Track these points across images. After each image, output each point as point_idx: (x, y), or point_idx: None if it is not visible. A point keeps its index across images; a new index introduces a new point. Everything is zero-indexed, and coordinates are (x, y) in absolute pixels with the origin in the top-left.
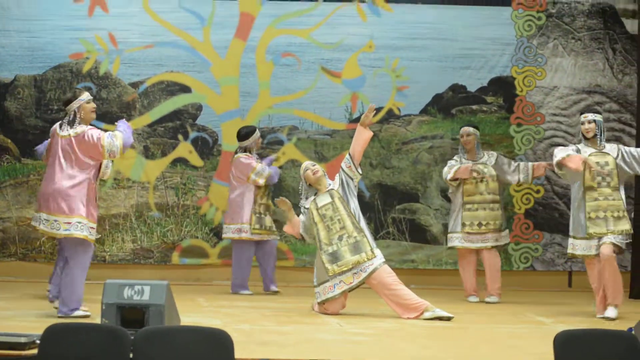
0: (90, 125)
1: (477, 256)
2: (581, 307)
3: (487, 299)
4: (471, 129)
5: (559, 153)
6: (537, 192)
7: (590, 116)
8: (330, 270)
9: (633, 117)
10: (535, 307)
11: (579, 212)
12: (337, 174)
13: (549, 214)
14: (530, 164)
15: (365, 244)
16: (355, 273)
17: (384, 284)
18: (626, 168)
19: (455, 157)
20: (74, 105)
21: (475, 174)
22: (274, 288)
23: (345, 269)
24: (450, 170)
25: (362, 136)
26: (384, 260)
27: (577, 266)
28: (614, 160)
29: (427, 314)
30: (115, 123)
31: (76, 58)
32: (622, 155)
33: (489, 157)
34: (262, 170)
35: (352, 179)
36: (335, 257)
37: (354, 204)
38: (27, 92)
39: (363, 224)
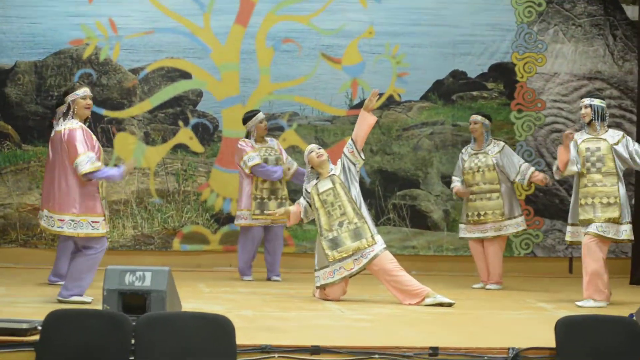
0: (91, 113)
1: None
2: (582, 294)
3: (488, 286)
4: (479, 117)
5: (554, 167)
6: None
7: (587, 101)
8: (330, 257)
9: (633, 103)
10: (536, 294)
11: (574, 199)
12: (339, 160)
13: (550, 200)
14: (531, 169)
15: (365, 230)
16: (356, 259)
17: (385, 270)
18: (626, 156)
19: (463, 150)
20: (69, 97)
21: (465, 193)
22: (275, 278)
23: (345, 255)
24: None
25: (366, 121)
26: (385, 246)
27: (577, 252)
28: (608, 146)
29: (428, 300)
30: (119, 164)
31: (76, 44)
32: (626, 143)
33: (494, 147)
34: (248, 159)
35: (354, 164)
36: (335, 244)
37: (356, 190)
38: (28, 78)
39: (364, 210)
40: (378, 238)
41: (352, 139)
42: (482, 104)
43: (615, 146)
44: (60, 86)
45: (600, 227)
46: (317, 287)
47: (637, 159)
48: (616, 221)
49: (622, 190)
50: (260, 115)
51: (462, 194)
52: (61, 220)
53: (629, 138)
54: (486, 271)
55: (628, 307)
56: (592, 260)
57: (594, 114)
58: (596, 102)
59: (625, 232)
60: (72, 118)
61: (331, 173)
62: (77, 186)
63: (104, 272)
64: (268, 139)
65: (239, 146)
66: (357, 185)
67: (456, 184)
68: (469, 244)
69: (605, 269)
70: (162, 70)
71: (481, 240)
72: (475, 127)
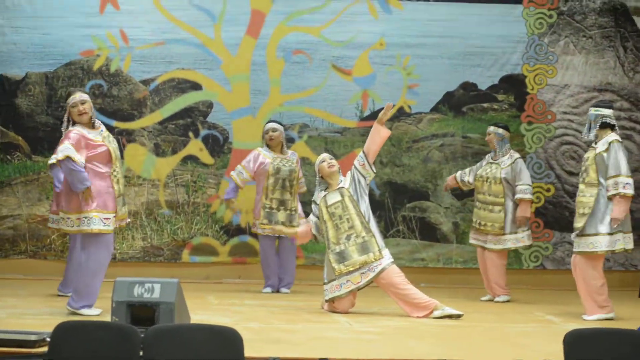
0: (98, 121)
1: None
2: None
3: (496, 299)
4: (491, 128)
5: None
6: (548, 190)
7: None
8: (337, 270)
9: None
10: (545, 306)
11: None
12: (349, 172)
13: (560, 212)
14: (518, 196)
15: (373, 245)
16: (363, 273)
17: (392, 283)
18: (604, 164)
19: (487, 155)
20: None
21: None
22: (284, 290)
23: (352, 268)
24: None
25: (380, 134)
26: (392, 260)
27: None
28: (594, 156)
29: (436, 313)
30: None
31: (87, 55)
32: (608, 149)
33: (508, 159)
34: (236, 170)
35: (364, 177)
36: (342, 257)
37: (365, 203)
38: (38, 89)
39: (373, 224)
40: (385, 252)
41: (363, 152)
42: (493, 116)
43: (604, 154)
44: None
45: (576, 240)
46: (325, 301)
47: (610, 169)
48: (578, 231)
49: (602, 201)
50: (267, 126)
51: (445, 185)
52: (78, 219)
53: (616, 146)
54: (487, 280)
55: (637, 320)
56: (577, 276)
57: (587, 123)
58: (591, 111)
59: (619, 241)
60: (74, 125)
61: (340, 185)
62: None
63: (112, 284)
64: (289, 152)
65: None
66: (366, 198)
67: (456, 174)
68: (476, 251)
69: (600, 282)
70: (173, 82)
71: (482, 248)
72: (490, 138)
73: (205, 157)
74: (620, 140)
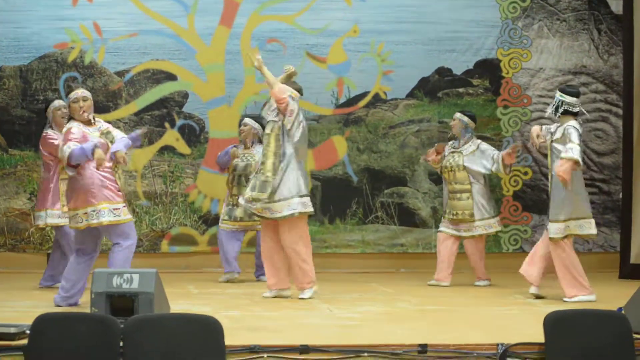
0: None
1: (456, 242)
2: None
3: (477, 283)
4: (457, 115)
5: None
6: (525, 174)
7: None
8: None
9: (619, 97)
10: (525, 289)
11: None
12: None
13: (537, 195)
14: (500, 154)
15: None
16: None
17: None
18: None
19: (449, 143)
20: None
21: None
22: (263, 278)
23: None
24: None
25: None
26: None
27: None
28: (550, 143)
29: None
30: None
31: (61, 48)
32: (563, 135)
33: (470, 146)
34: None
35: None
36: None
37: None
38: (13, 83)
39: None
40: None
41: None
42: (468, 101)
43: (559, 141)
44: (45, 90)
45: (548, 225)
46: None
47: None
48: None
49: (556, 187)
50: (244, 121)
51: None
52: (85, 214)
53: (570, 129)
54: (445, 268)
55: (617, 301)
56: (554, 258)
57: (553, 104)
58: (557, 94)
59: (568, 227)
60: (70, 121)
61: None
62: (89, 178)
63: (91, 275)
64: (258, 146)
65: None
66: None
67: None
68: (437, 235)
69: (573, 264)
70: (148, 73)
71: (451, 236)
72: (453, 124)
73: (182, 147)
74: (577, 126)
